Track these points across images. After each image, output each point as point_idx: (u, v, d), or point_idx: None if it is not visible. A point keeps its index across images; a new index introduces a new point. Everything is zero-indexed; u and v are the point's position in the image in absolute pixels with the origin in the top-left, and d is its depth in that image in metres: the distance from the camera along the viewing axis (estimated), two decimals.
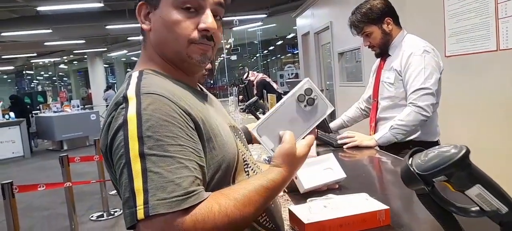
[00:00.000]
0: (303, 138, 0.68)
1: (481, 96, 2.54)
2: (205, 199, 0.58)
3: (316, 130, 1.94)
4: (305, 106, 0.67)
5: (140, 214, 0.55)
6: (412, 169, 0.50)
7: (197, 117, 0.66)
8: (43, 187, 2.52)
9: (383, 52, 1.77)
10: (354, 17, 1.76)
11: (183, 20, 0.70)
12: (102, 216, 3.76)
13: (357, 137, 1.67)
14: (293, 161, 0.67)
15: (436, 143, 1.76)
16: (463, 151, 0.48)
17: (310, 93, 0.67)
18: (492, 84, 2.43)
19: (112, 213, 3.77)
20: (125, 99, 0.63)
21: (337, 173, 1.10)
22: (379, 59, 1.90)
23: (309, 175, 1.06)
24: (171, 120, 0.61)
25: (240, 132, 0.83)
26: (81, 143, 8.53)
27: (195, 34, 0.70)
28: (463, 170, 0.47)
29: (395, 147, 1.62)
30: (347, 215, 0.81)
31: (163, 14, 0.70)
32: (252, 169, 0.78)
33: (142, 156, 0.57)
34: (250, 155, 0.82)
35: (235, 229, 0.60)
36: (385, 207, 0.83)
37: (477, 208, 0.51)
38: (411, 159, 0.52)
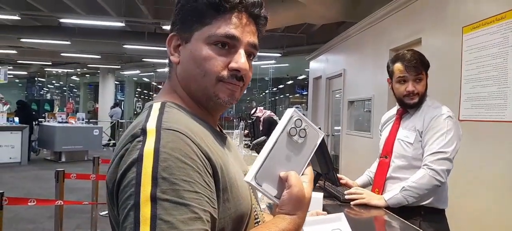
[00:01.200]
0: (303, 174, 0.62)
1: (492, 165, 2.45)
2: None
3: (323, 181, 1.83)
4: (298, 139, 0.61)
5: None
6: None
7: (217, 162, 0.60)
8: (33, 202, 2.43)
9: (418, 104, 1.67)
10: (417, 55, 1.66)
11: (214, 57, 0.66)
12: None
13: (365, 195, 1.58)
14: (304, 204, 0.61)
15: (443, 211, 1.67)
16: None
17: (300, 124, 0.62)
18: (504, 154, 2.35)
19: None
20: (143, 132, 0.57)
21: None
22: (391, 114, 1.85)
23: None
24: (190, 162, 0.55)
25: None
26: (80, 156, 8.44)
27: (224, 72, 0.66)
28: None
29: (406, 212, 1.52)
30: None
31: (193, 49, 0.67)
32: None
33: (154, 199, 0.51)
34: (261, 211, 0.75)
35: None
36: None
37: None
38: None
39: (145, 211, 0.51)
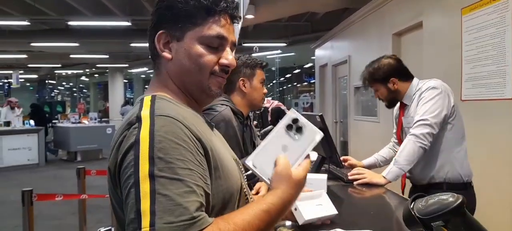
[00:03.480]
0: (299, 165, 0.71)
1: (495, 142, 2.53)
2: (209, 225, 0.59)
3: (328, 164, 1.95)
4: (294, 134, 0.71)
5: None
6: (413, 213, 0.54)
7: (207, 144, 0.68)
8: (60, 197, 2.60)
9: (392, 104, 1.87)
10: (364, 73, 1.89)
11: (207, 54, 0.75)
12: (110, 230, 3.80)
13: (367, 174, 1.69)
14: (289, 182, 0.67)
15: (470, 184, 1.77)
16: (460, 200, 0.52)
17: (297, 122, 0.71)
18: (507, 131, 2.42)
19: None
20: (138, 119, 0.64)
21: (330, 209, 1.14)
22: (397, 106, 1.95)
23: (304, 208, 1.08)
24: (183, 143, 0.62)
25: (241, 166, 0.85)
26: (95, 155, 8.70)
27: (216, 67, 0.76)
28: (458, 217, 0.52)
29: (429, 188, 1.69)
30: None
31: (188, 47, 0.75)
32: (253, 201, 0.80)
33: (152, 177, 0.58)
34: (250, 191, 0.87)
35: None
36: None
37: None
38: (413, 203, 0.56)
39: (144, 187, 0.57)
